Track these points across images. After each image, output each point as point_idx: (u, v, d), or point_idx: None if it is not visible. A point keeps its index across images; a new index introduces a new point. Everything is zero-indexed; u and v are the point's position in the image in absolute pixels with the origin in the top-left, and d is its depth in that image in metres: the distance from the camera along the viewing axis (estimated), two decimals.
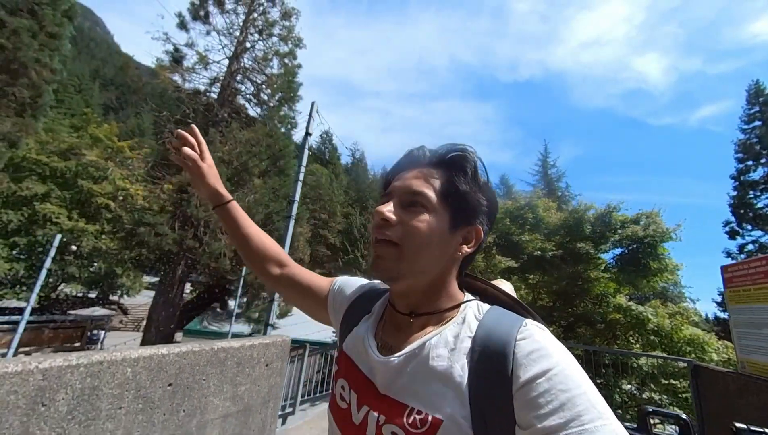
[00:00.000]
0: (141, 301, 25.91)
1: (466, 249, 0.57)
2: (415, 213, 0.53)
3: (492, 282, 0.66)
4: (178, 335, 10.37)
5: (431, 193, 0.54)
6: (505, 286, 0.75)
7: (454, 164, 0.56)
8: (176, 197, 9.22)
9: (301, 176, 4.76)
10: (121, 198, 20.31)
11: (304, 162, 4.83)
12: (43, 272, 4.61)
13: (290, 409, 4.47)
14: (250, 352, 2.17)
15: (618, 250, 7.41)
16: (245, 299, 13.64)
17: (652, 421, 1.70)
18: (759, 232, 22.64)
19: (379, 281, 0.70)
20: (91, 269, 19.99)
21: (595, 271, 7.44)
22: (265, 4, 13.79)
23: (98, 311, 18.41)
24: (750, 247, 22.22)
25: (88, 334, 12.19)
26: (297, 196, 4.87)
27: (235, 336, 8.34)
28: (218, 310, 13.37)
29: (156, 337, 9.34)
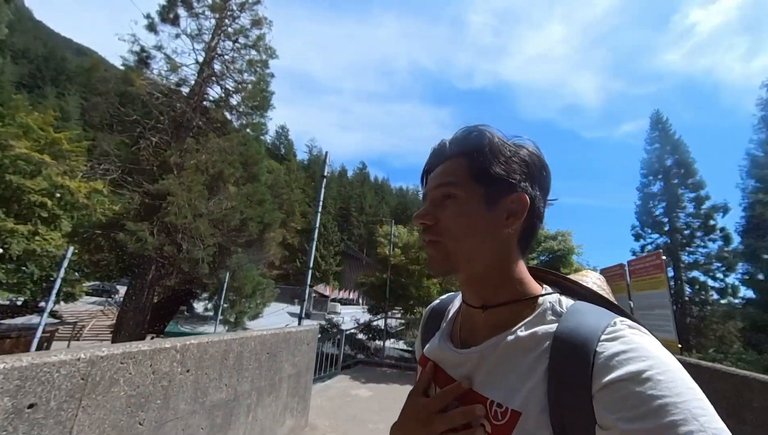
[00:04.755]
0: (80, 307, 23.68)
1: (514, 222, 0.54)
2: (446, 206, 0.55)
3: (575, 275, 0.64)
4: (148, 338, 10.43)
5: (456, 181, 0.55)
6: (589, 278, 0.67)
7: (470, 146, 0.56)
8: (151, 204, 9.35)
9: (319, 213, 5.64)
10: (87, 199, 18.64)
11: (321, 197, 5.72)
12: (58, 282, 5.01)
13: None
14: (301, 335, 3.21)
15: (542, 258, 9.67)
16: (211, 303, 13.74)
17: None
18: (656, 235, 27.48)
19: (447, 294, 0.77)
20: (21, 274, 18.11)
21: None
22: (236, 10, 13.99)
23: (34, 320, 16.77)
24: (650, 247, 26.63)
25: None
26: (317, 224, 5.80)
27: None
28: (185, 312, 13.26)
29: (128, 341, 9.39)
